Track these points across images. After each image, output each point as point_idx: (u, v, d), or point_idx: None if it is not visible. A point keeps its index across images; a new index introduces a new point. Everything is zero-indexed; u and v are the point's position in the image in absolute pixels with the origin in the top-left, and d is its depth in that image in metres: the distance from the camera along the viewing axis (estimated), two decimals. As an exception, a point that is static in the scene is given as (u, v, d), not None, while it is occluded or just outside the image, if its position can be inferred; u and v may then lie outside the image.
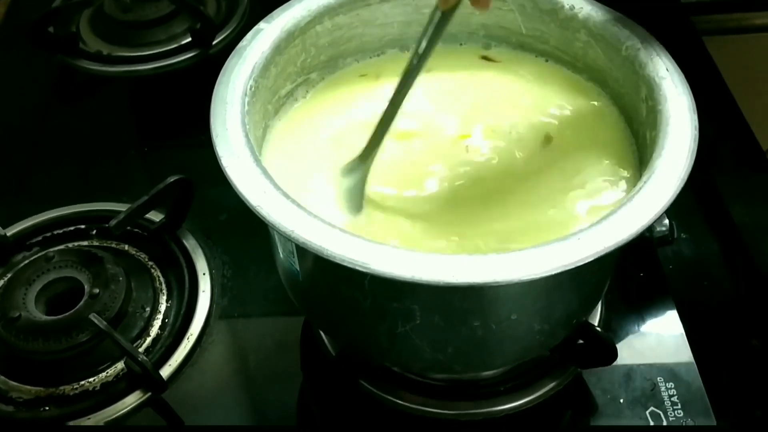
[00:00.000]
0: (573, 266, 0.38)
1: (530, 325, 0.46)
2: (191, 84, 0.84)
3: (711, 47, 0.87)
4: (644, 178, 0.42)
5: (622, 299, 0.62)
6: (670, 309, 0.61)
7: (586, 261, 0.38)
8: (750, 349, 0.60)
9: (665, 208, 0.40)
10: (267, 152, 0.51)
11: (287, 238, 0.40)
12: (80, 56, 0.88)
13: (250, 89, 0.48)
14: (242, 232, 0.68)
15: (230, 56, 0.50)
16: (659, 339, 0.59)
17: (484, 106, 0.56)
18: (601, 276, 0.50)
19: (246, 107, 0.47)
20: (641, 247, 0.65)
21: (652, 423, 0.54)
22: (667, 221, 0.64)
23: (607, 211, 0.41)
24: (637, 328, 0.60)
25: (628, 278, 0.63)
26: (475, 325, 0.44)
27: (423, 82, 0.56)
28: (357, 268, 0.38)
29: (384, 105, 0.55)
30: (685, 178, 0.41)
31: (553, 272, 0.38)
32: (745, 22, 1.01)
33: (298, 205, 0.41)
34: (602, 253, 0.38)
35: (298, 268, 0.47)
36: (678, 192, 0.41)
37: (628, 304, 0.61)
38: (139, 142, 0.81)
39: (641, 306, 0.62)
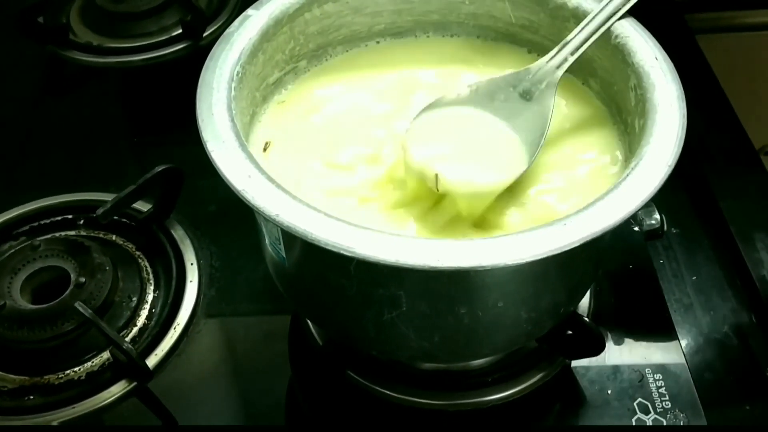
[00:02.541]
0: (559, 251, 0.37)
1: (517, 314, 0.46)
2: (182, 76, 0.83)
3: (703, 45, 0.87)
4: (632, 165, 0.42)
5: (611, 291, 0.62)
6: (659, 302, 0.61)
7: (573, 246, 0.38)
8: (738, 343, 0.60)
9: (652, 195, 0.40)
10: (253, 139, 0.51)
11: (272, 223, 0.39)
12: (70, 47, 0.88)
13: (237, 75, 0.48)
14: (231, 223, 0.68)
15: (217, 42, 0.50)
16: (647, 331, 0.59)
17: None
18: (588, 264, 0.50)
19: (233, 93, 0.46)
20: (631, 240, 0.65)
21: (639, 414, 0.54)
22: (657, 215, 0.64)
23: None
24: (625, 319, 0.60)
25: (618, 271, 0.63)
26: (461, 312, 0.44)
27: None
28: (342, 252, 0.38)
29: (373, 96, 0.56)
30: (673, 164, 0.41)
31: (540, 257, 0.37)
32: (737, 20, 1.01)
33: (284, 190, 0.41)
34: (589, 239, 0.38)
35: (285, 255, 0.46)
36: (666, 178, 0.41)
37: (617, 296, 0.61)
38: (129, 133, 0.81)
39: (630, 298, 0.61)
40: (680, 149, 0.42)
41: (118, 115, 0.84)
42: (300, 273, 0.48)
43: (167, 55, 0.87)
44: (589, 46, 0.50)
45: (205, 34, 0.88)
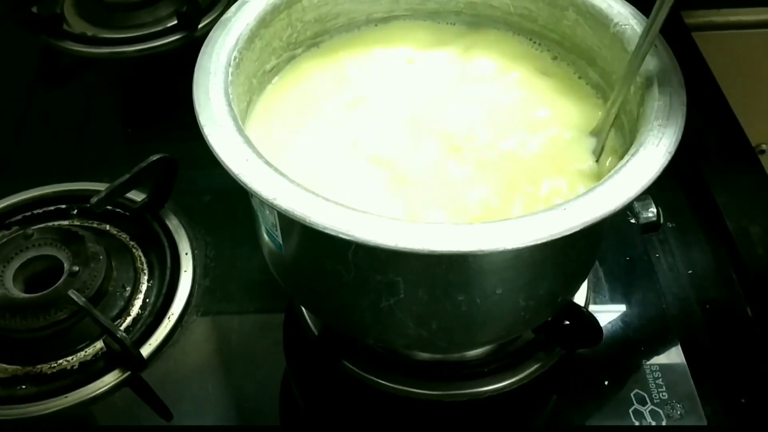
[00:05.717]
0: (560, 236, 0.37)
1: (515, 301, 0.46)
2: (176, 67, 0.83)
3: (699, 43, 0.87)
4: (632, 151, 0.41)
5: (608, 282, 0.61)
6: (656, 293, 0.61)
7: (573, 231, 0.37)
8: (734, 334, 0.60)
9: (652, 181, 0.40)
10: (250, 126, 0.51)
11: (270, 206, 0.39)
12: (64, 37, 0.87)
13: (234, 60, 0.47)
14: (226, 213, 0.67)
15: (214, 28, 0.49)
16: (644, 322, 0.59)
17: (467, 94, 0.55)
18: (587, 251, 0.50)
19: (230, 77, 0.46)
20: (628, 232, 0.65)
21: (636, 405, 0.53)
22: (654, 208, 0.64)
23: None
24: (622, 310, 0.60)
25: (615, 262, 0.63)
26: (459, 299, 0.44)
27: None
28: (340, 236, 0.37)
29: (369, 84, 0.55)
30: (674, 151, 0.41)
31: (540, 241, 0.37)
32: (733, 18, 1.01)
33: (281, 174, 0.40)
34: (589, 223, 0.38)
35: (281, 242, 0.46)
36: (666, 164, 0.40)
37: (614, 288, 0.61)
38: (124, 124, 0.80)
39: (627, 290, 0.61)
40: (681, 135, 0.42)
41: (112, 105, 0.84)
42: (297, 260, 0.48)
43: (162, 46, 0.86)
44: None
45: (200, 25, 0.88)
